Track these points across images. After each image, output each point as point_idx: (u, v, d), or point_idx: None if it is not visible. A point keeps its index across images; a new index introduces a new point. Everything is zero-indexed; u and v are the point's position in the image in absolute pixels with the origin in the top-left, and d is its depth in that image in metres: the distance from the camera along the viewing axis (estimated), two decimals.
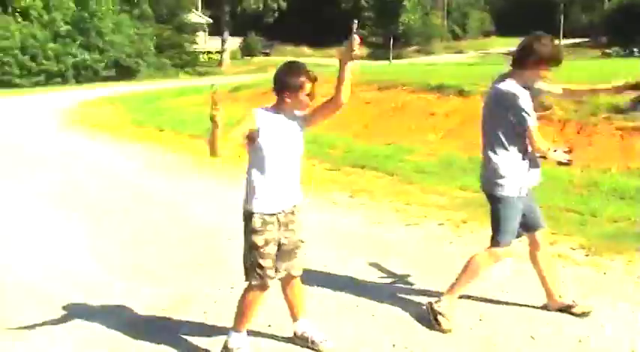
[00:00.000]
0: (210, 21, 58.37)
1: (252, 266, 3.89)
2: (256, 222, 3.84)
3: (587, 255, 5.99)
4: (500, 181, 4.32)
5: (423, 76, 16.65)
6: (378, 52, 53.68)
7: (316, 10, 59.03)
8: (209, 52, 55.79)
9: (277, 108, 3.89)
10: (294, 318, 4.30)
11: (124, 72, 42.74)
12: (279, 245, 3.95)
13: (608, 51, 44.86)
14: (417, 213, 7.63)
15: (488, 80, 4.79)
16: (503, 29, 70.74)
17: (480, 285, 4.86)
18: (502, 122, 4.25)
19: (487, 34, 76.25)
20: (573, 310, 4.63)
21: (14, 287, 5.53)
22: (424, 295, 4.98)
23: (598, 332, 4.39)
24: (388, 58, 48.94)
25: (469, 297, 4.86)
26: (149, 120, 17.18)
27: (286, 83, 3.80)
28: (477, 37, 74.66)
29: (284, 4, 58.00)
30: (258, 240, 3.84)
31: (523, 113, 4.14)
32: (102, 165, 11.61)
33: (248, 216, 3.88)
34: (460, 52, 61.39)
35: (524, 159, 4.32)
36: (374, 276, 5.58)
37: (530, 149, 4.31)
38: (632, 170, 9.11)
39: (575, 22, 64.57)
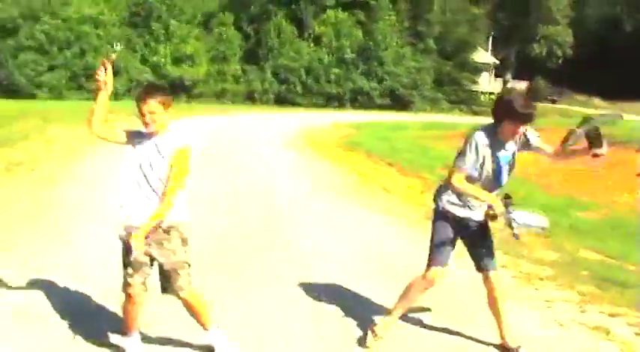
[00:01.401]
0: (497, 62, 57.53)
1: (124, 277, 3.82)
2: (121, 232, 3.76)
3: (637, 334, 4.85)
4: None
5: None
6: None
7: (611, 59, 54.96)
8: (490, 93, 54.94)
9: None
10: (203, 328, 4.06)
11: (398, 101, 44.05)
12: (158, 263, 3.81)
13: None
14: (520, 267, 6.67)
15: None
16: None
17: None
18: None
19: None
20: None
21: None
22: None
23: None
24: None
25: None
26: (367, 145, 17.34)
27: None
28: None
29: (570, 51, 55.06)
30: (122, 248, 3.79)
31: (459, 152, 4.10)
32: (267, 177, 12.04)
33: None
34: None
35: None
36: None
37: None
38: None
39: None
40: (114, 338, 4.09)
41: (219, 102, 38.60)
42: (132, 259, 3.68)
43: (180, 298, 3.90)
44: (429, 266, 4.30)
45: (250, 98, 41.09)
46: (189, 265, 3.87)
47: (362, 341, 4.42)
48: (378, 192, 10.85)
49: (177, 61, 38.37)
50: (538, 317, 5.18)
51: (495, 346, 4.49)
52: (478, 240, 4.38)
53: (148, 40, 38.04)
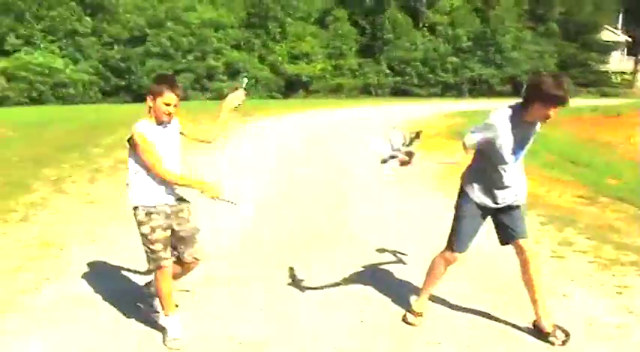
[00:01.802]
0: (629, 40, 54.25)
1: (147, 253, 4.19)
2: (140, 215, 4.13)
3: None
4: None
5: None
6: None
7: None
8: (622, 73, 51.99)
9: (150, 116, 4.13)
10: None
11: (519, 88, 42.60)
12: (175, 232, 4.22)
13: None
14: (601, 252, 6.36)
15: None
16: None
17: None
18: None
19: None
20: (550, 338, 4.25)
21: None
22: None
23: None
24: None
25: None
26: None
27: (150, 88, 4.11)
28: None
29: None
30: (145, 228, 4.13)
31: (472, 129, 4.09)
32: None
33: (133, 210, 4.17)
34: None
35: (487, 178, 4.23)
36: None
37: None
38: None
39: None
40: (160, 319, 4.41)
41: (336, 96, 38.97)
42: (161, 236, 4.13)
43: (197, 260, 4.35)
44: (451, 249, 4.36)
45: (366, 91, 41.19)
46: (199, 230, 4.35)
47: (405, 320, 4.55)
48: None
49: (294, 58, 39.14)
50: (607, 304, 4.97)
51: (530, 329, 4.41)
52: (507, 214, 4.32)
53: (265, 40, 39.02)
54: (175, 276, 4.36)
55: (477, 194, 4.26)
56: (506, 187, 4.22)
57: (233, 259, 6.02)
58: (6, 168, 10.64)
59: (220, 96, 34.87)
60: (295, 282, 5.36)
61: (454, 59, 41.88)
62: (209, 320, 4.58)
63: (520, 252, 4.34)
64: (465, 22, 43.07)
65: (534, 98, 3.88)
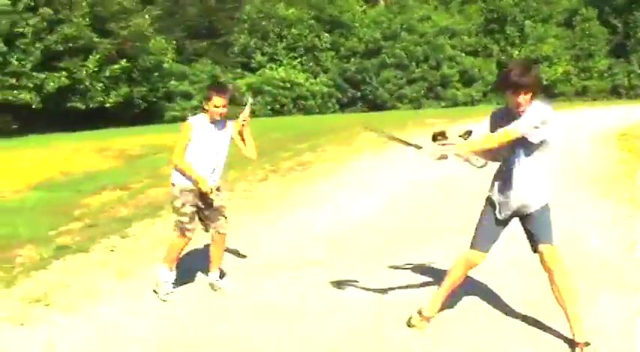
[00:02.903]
0: None
1: (175, 223, 5.29)
2: (175, 191, 5.22)
3: None
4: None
5: None
6: None
7: None
8: None
9: (205, 113, 5.21)
10: (209, 269, 5.51)
11: None
12: (202, 209, 5.27)
13: None
14: None
15: None
16: None
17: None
18: None
19: None
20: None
21: None
22: None
23: None
24: None
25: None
26: None
27: (205, 95, 5.25)
28: None
29: None
30: (177, 202, 5.21)
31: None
32: None
33: (171, 185, 5.25)
34: None
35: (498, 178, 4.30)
36: None
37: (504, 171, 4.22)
38: None
39: None
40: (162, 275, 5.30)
41: (581, 99, 36.77)
42: (188, 210, 5.18)
43: (221, 234, 5.39)
44: (470, 248, 4.34)
45: (616, 93, 38.29)
46: (224, 208, 5.41)
47: (409, 322, 4.50)
48: None
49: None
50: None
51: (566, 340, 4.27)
52: (527, 220, 4.22)
53: (504, 46, 38.14)
54: (210, 260, 5.47)
55: (493, 191, 4.28)
56: (512, 187, 4.13)
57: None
58: None
59: (455, 103, 34.91)
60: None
61: None
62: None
63: (542, 261, 4.19)
64: None
65: (504, 87, 3.92)
